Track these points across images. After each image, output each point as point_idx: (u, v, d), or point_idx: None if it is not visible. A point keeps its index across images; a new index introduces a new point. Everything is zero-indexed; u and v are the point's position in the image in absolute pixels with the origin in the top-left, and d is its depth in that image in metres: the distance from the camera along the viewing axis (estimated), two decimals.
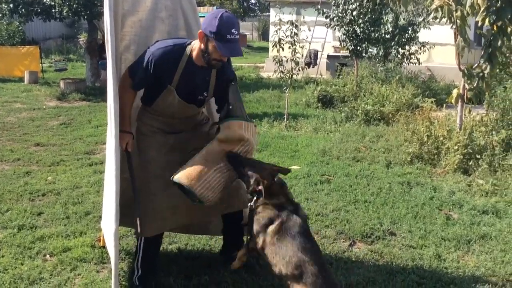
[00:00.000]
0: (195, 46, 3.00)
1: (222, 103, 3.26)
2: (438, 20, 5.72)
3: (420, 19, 11.58)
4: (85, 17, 12.41)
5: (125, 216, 3.12)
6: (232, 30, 2.85)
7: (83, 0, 11.77)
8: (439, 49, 13.72)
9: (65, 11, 11.87)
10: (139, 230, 3.09)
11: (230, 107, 3.16)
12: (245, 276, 3.44)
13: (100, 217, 4.31)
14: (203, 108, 3.39)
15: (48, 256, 3.79)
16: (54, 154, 6.72)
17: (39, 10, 12.32)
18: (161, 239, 3.46)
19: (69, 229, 4.25)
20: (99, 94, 11.87)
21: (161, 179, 3.11)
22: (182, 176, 2.91)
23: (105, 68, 13.21)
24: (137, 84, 3.13)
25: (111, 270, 3.28)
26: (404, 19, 11.49)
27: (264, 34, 35.04)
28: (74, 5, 11.73)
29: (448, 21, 5.71)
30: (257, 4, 32.83)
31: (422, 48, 11.91)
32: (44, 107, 10.48)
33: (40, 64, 14.79)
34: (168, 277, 3.43)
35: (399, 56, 11.79)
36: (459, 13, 5.37)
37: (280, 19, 7.83)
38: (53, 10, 12.08)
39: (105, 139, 7.44)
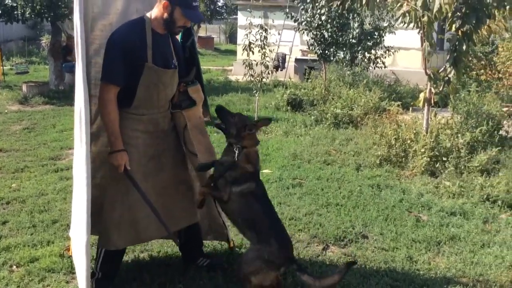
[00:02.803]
0: (153, 15, 3.10)
1: (186, 67, 3.41)
2: (405, 25, 5.84)
3: (385, 24, 11.80)
4: (49, 18, 12.08)
5: (94, 225, 3.05)
6: None
7: (47, 1, 11.45)
8: (403, 53, 14.01)
9: (27, 12, 11.51)
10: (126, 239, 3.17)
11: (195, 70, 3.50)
12: (222, 283, 3.41)
13: (68, 225, 4.19)
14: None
15: (14, 267, 3.65)
16: (18, 160, 6.50)
17: (0, 12, 11.92)
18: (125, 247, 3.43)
19: (36, 238, 4.11)
20: (63, 97, 11.58)
21: (141, 191, 3.09)
22: (209, 157, 3.36)
23: (69, 71, 12.94)
24: (121, 78, 3.01)
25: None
26: (369, 23, 11.68)
27: (231, 37, 34.99)
28: (37, 7, 11.39)
29: (415, 26, 5.85)
30: (224, 7, 32.74)
31: (387, 52, 12.15)
32: (6, 111, 10.14)
33: (1, 67, 14.31)
34: (141, 286, 3.36)
35: (365, 60, 11.99)
36: (426, 18, 5.49)
37: (251, 23, 7.83)
38: (15, 12, 11.71)
39: (70, 144, 7.30)
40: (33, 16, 11.87)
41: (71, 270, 3.59)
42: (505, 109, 7.78)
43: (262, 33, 8.09)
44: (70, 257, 3.73)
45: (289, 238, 3.27)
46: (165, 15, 3.06)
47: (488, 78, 11.17)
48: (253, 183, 3.18)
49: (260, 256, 3.02)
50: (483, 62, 11.45)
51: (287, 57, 15.31)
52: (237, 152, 3.16)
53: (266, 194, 3.32)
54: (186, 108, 3.34)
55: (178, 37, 3.55)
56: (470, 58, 9.64)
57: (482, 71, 11.35)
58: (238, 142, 3.19)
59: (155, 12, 3.10)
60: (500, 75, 10.93)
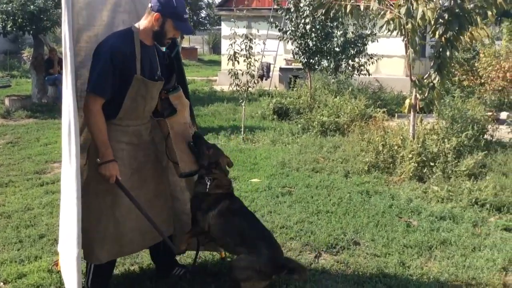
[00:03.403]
0: (141, 27, 3.07)
1: (167, 74, 3.36)
2: (389, 32, 5.90)
3: (368, 31, 11.93)
4: (31, 32, 11.97)
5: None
6: (186, 10, 3.12)
7: (28, 15, 11.35)
8: (386, 60, 14.17)
9: (9, 26, 11.39)
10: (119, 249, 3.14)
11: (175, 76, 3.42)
12: None
13: (56, 240, 4.11)
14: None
15: (2, 283, 3.56)
16: (2, 175, 6.38)
17: None
18: (115, 261, 3.41)
19: (23, 253, 4.02)
20: (47, 110, 11.47)
21: (127, 204, 3.08)
22: (191, 165, 3.32)
23: (51, 84, 12.75)
24: (109, 90, 2.97)
25: None
26: (352, 32, 11.80)
27: (214, 48, 35.08)
28: (19, 20, 11.29)
29: (399, 33, 5.91)
30: (207, 18, 32.85)
31: (370, 59, 12.27)
32: None
33: None
34: None
35: (349, 68, 12.09)
36: (410, 25, 5.55)
37: (235, 33, 7.85)
38: None
39: (55, 157, 7.20)
40: (14, 29, 11.75)
41: (60, 286, 3.52)
42: (489, 113, 7.88)
43: (247, 42, 8.10)
44: (58, 272, 3.65)
45: (278, 245, 3.36)
46: (156, 27, 3.03)
47: (471, 84, 11.34)
48: (227, 200, 3.30)
49: (252, 267, 3.10)
50: (465, 68, 11.62)
51: (271, 66, 15.37)
52: (208, 183, 3.28)
53: (244, 207, 3.45)
54: (169, 116, 3.32)
55: (163, 47, 3.52)
56: (452, 64, 9.77)
57: (464, 76, 11.51)
58: (208, 174, 3.30)
59: (144, 23, 3.07)
60: (482, 81, 11.10)
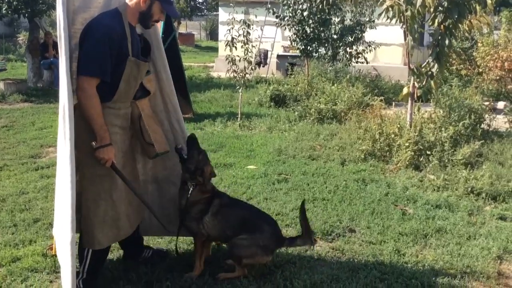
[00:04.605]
0: (128, 7, 3.06)
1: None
2: (388, 20, 5.85)
3: (366, 19, 11.82)
4: (26, 15, 11.84)
5: (76, 222, 2.98)
6: None
7: None
8: (384, 49, 14.10)
9: (4, 9, 11.27)
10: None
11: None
12: (209, 281, 3.36)
13: (50, 224, 4.10)
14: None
15: None
16: None
17: None
18: (110, 246, 3.40)
19: (18, 237, 4.01)
20: (42, 95, 11.40)
21: (122, 187, 3.08)
22: (164, 145, 3.34)
23: (47, 68, 12.63)
24: (108, 72, 2.93)
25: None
26: (350, 19, 11.70)
27: (212, 34, 34.86)
28: (14, 3, 11.16)
29: (398, 20, 5.87)
30: (204, 3, 32.61)
31: (368, 47, 12.18)
32: None
33: None
34: (127, 285, 3.29)
35: (347, 56, 12.01)
36: (409, 12, 5.51)
37: (233, 18, 7.77)
38: None
39: (50, 141, 7.16)
40: (9, 12, 11.63)
41: (54, 270, 3.52)
42: (486, 103, 7.87)
43: (245, 28, 8.03)
44: (53, 256, 3.64)
45: (275, 221, 3.63)
46: (143, 8, 3.04)
47: (468, 73, 11.31)
48: (215, 200, 3.39)
49: (256, 244, 3.29)
50: (463, 57, 11.59)
51: (269, 53, 15.28)
52: (191, 189, 3.32)
53: (233, 198, 3.66)
54: (140, 98, 3.30)
55: (160, 32, 3.51)
56: (450, 54, 9.73)
57: (462, 66, 11.48)
58: (192, 180, 3.34)
59: (130, 4, 3.06)
60: (480, 70, 11.07)
